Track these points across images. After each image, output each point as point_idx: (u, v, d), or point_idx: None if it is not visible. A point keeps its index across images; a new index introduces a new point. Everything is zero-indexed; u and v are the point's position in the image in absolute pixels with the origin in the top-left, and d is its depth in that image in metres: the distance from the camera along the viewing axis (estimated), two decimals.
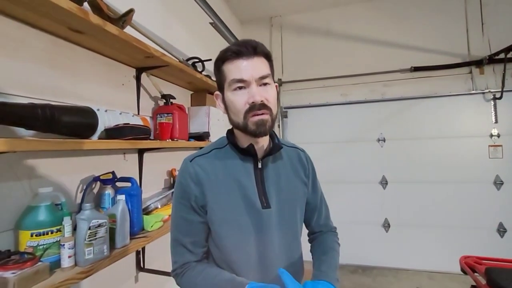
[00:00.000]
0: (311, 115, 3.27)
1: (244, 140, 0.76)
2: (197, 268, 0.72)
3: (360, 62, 3.08)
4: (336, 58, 3.16)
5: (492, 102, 2.76)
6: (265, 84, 0.70)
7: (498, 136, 2.74)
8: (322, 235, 0.90)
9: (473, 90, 2.81)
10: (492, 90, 2.74)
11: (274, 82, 0.75)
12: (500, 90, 2.66)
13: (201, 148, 0.96)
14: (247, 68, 0.67)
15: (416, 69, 2.91)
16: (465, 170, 2.82)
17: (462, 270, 1.46)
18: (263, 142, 0.77)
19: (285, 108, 3.32)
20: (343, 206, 3.13)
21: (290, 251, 0.79)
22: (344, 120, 3.15)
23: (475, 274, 1.38)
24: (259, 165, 0.76)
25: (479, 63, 2.77)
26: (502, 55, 2.60)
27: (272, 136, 0.81)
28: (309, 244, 0.92)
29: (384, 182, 3.04)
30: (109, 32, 0.99)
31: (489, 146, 2.77)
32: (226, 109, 0.74)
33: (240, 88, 0.68)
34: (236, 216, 0.72)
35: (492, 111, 2.76)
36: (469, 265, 1.43)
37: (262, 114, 0.68)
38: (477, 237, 2.75)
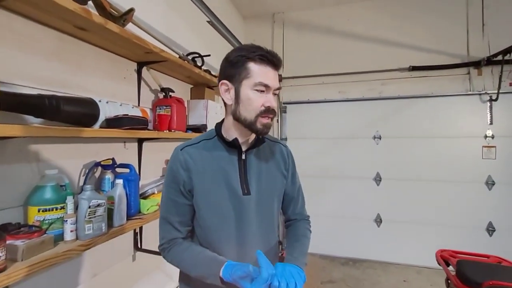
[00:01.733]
0: (309, 111, 3.33)
1: (232, 133, 0.84)
2: (183, 244, 0.81)
3: (359, 60, 3.12)
4: (335, 55, 3.20)
5: (488, 104, 2.79)
6: (276, 94, 0.81)
7: (493, 137, 2.78)
8: (296, 222, 0.99)
9: (470, 91, 2.84)
10: (488, 92, 2.77)
11: None
12: (496, 91, 2.68)
13: None
14: (273, 77, 0.78)
15: (415, 68, 2.94)
16: (458, 170, 2.87)
17: (438, 263, 1.54)
18: (249, 137, 0.85)
19: (284, 103, 3.39)
20: (338, 200, 3.22)
21: (267, 235, 0.88)
22: (341, 117, 3.22)
23: (449, 267, 1.46)
24: (243, 157, 0.85)
25: (477, 65, 2.79)
26: (500, 57, 2.61)
27: None
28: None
29: (378, 179, 3.11)
30: (110, 30, 1.08)
31: (483, 146, 2.81)
32: (237, 101, 0.78)
33: (261, 91, 0.77)
34: (219, 201, 0.81)
35: (488, 112, 2.79)
36: (444, 258, 1.52)
37: (270, 118, 0.79)
38: (466, 235, 2.82)
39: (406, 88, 3.00)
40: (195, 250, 0.80)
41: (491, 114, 2.79)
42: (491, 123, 2.79)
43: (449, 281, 1.43)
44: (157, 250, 1.52)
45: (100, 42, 1.24)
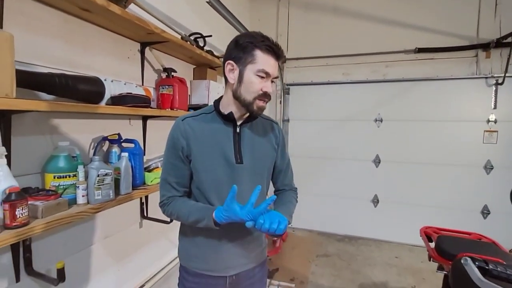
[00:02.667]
0: (312, 92, 3.35)
1: (228, 108, 0.93)
2: (180, 199, 0.94)
3: (365, 41, 3.08)
4: (340, 36, 3.16)
5: (494, 88, 2.75)
6: (273, 81, 0.91)
7: (495, 122, 2.77)
8: (284, 192, 1.10)
9: (476, 74, 2.80)
10: (495, 75, 2.72)
11: None
12: (503, 75, 2.63)
13: None
14: (274, 67, 0.88)
15: (421, 50, 2.89)
16: (457, 154, 2.90)
17: (422, 238, 1.64)
18: (244, 112, 0.94)
19: (287, 85, 3.41)
20: (337, 181, 3.32)
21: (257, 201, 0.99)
22: (344, 99, 3.23)
23: (432, 243, 1.56)
24: (238, 130, 0.95)
25: (486, 47, 2.73)
26: (510, 39, 2.54)
27: None
28: None
29: (377, 161, 3.17)
30: (112, 12, 1.14)
31: (484, 131, 2.81)
32: (240, 81, 0.88)
33: (262, 77, 0.86)
34: (215, 167, 0.91)
35: (493, 96, 2.76)
36: (427, 234, 1.61)
37: (265, 102, 0.89)
38: (461, 217, 2.90)
39: (411, 71, 2.97)
40: (190, 202, 0.93)
41: (495, 98, 2.76)
42: (494, 108, 2.76)
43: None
44: (162, 219, 1.68)
45: (103, 23, 1.31)
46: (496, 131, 2.77)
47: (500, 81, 2.68)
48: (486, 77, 2.76)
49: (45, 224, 0.94)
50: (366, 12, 3.07)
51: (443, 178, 2.96)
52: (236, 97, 0.89)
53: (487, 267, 0.61)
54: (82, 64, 1.26)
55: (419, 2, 2.90)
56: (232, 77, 0.89)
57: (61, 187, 1.09)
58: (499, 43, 2.64)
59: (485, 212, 2.85)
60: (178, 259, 2.12)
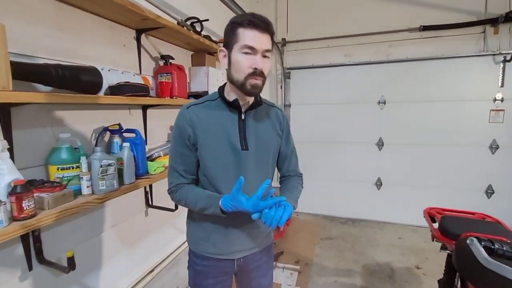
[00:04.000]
0: (314, 76, 3.29)
1: (232, 95, 0.92)
2: (187, 186, 0.95)
3: (367, 20, 2.97)
4: (342, 16, 3.06)
5: (501, 65, 2.67)
6: (266, 56, 0.85)
7: (502, 100, 2.71)
8: (290, 178, 1.10)
9: (483, 51, 2.71)
10: (503, 52, 2.63)
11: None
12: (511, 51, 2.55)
13: None
14: (259, 39, 0.82)
15: (426, 28, 2.80)
16: (463, 134, 2.86)
17: (425, 219, 1.65)
18: (249, 99, 0.93)
19: (288, 69, 3.34)
20: (340, 164, 3.32)
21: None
22: (346, 81, 3.17)
23: (435, 223, 1.56)
24: (243, 117, 0.94)
25: (494, 22, 2.62)
26: None
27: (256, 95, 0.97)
28: None
29: (380, 144, 3.15)
30: None
31: (490, 110, 2.75)
32: (229, 65, 0.87)
33: (248, 53, 0.82)
34: (221, 154, 0.92)
35: (500, 74, 2.69)
36: (431, 215, 1.62)
37: (259, 80, 0.84)
38: (465, 197, 2.91)
39: (415, 50, 2.89)
40: (198, 189, 0.94)
41: (503, 76, 2.68)
42: (502, 86, 2.70)
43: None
44: (167, 207, 1.70)
45: (97, 9, 1.27)
46: (503, 110, 2.71)
47: (508, 58, 2.60)
48: (494, 54, 2.68)
49: (53, 215, 0.96)
50: None
51: (447, 159, 2.94)
52: (231, 81, 0.88)
53: (492, 247, 0.61)
54: (77, 53, 1.24)
55: None
56: (225, 62, 0.89)
57: (65, 178, 1.10)
58: (509, 18, 2.54)
59: (489, 192, 2.85)
60: (184, 245, 2.17)
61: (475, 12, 2.69)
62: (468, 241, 0.66)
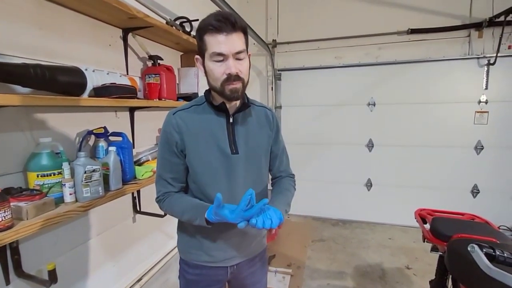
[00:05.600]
0: (304, 77, 3.29)
1: (218, 99, 0.89)
2: (176, 195, 0.91)
3: (357, 23, 3.00)
4: (332, 18, 3.07)
5: (486, 68, 2.75)
6: (240, 58, 0.80)
7: (486, 102, 2.79)
8: (281, 179, 1.07)
9: (468, 55, 2.78)
10: (487, 55, 2.71)
11: (247, 53, 0.85)
12: (495, 55, 2.63)
13: None
14: (226, 43, 0.77)
15: (413, 31, 2.84)
16: (449, 135, 2.92)
17: (416, 220, 1.66)
18: (235, 102, 0.90)
19: (279, 70, 3.33)
20: (331, 166, 3.33)
21: (254, 188, 0.95)
22: (337, 83, 3.19)
23: (426, 224, 1.58)
24: (231, 120, 0.90)
25: (479, 26, 2.70)
26: (502, 18, 2.51)
27: (243, 97, 0.94)
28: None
29: (370, 145, 3.18)
30: None
31: (475, 112, 2.83)
32: (206, 73, 0.85)
33: (219, 60, 0.78)
34: (210, 160, 0.88)
35: (484, 77, 2.76)
36: (422, 216, 1.63)
37: (236, 84, 0.80)
38: (451, 197, 2.97)
39: (404, 53, 2.93)
40: (185, 199, 0.90)
41: (487, 78, 2.76)
42: (486, 88, 2.77)
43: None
44: (156, 213, 1.64)
45: (80, 7, 1.21)
46: (487, 112, 2.79)
47: (492, 61, 2.68)
48: (478, 57, 2.75)
49: (32, 226, 0.90)
50: None
51: (435, 159, 2.99)
52: (211, 88, 0.86)
53: (494, 254, 0.60)
54: (59, 53, 1.17)
55: None
56: (202, 70, 0.86)
57: (46, 186, 1.03)
58: (492, 22, 2.62)
59: (475, 191, 2.93)
60: (174, 251, 2.11)
61: (460, 16, 2.76)
62: (469, 248, 0.65)
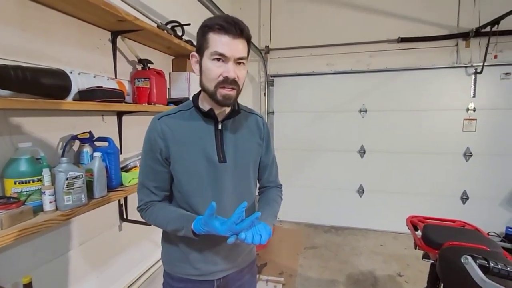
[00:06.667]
0: (297, 84, 3.30)
1: (207, 104, 0.85)
2: (159, 205, 0.87)
3: (349, 31, 3.04)
4: (324, 26, 3.11)
5: (473, 77, 2.81)
6: (240, 63, 0.78)
7: (474, 110, 2.84)
8: (269, 189, 1.04)
9: (456, 63, 2.84)
10: (474, 64, 2.77)
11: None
12: (482, 64, 2.69)
13: None
14: (230, 46, 0.75)
15: (403, 40, 2.90)
16: (439, 142, 2.96)
17: (408, 228, 1.65)
18: (225, 108, 0.86)
19: (271, 76, 3.33)
20: (323, 172, 3.32)
21: (242, 197, 0.91)
22: (329, 90, 3.21)
23: (418, 231, 1.57)
24: (219, 127, 0.87)
25: (466, 36, 2.77)
26: (488, 28, 2.59)
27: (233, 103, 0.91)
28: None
29: (362, 151, 3.20)
30: None
31: (464, 119, 2.88)
32: (200, 72, 0.80)
33: (219, 60, 0.75)
34: (197, 168, 0.84)
35: (472, 85, 2.83)
36: (413, 223, 1.63)
37: (231, 89, 0.78)
38: (442, 203, 3.00)
39: (394, 61, 2.98)
40: (170, 208, 0.86)
41: (474, 87, 2.82)
42: (474, 96, 2.83)
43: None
44: (143, 221, 1.58)
45: (67, 8, 1.17)
46: (475, 119, 2.85)
47: (479, 70, 2.74)
48: (466, 66, 2.81)
49: (7, 236, 0.84)
50: (349, 1, 3.02)
51: (425, 166, 3.02)
52: (203, 89, 0.82)
53: (488, 265, 0.59)
54: (43, 55, 1.13)
55: None
56: (197, 69, 0.82)
57: (24, 193, 0.98)
58: (478, 32, 2.69)
59: (464, 198, 2.96)
60: (161, 261, 2.04)
61: (448, 26, 2.83)
62: (463, 260, 0.64)
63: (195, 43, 2.13)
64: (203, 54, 0.78)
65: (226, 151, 0.86)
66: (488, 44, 2.62)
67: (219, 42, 0.75)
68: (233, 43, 0.75)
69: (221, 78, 0.76)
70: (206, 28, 0.76)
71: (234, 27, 0.74)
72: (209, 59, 0.76)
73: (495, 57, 2.70)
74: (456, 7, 2.80)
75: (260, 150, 0.97)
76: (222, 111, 0.87)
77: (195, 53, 0.82)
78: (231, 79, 0.76)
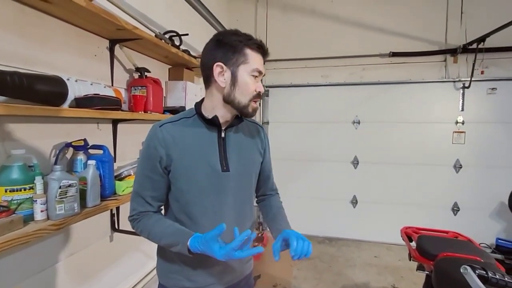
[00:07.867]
0: (291, 95, 3.35)
1: (211, 112, 0.85)
2: (153, 217, 0.84)
3: (342, 44, 3.13)
4: (319, 39, 3.19)
5: (461, 91, 2.91)
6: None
7: (463, 123, 2.93)
8: (271, 197, 1.06)
9: (445, 78, 2.94)
10: (462, 79, 2.88)
11: None
12: (469, 79, 2.80)
13: None
14: (262, 65, 0.84)
15: (395, 54, 3.00)
16: (429, 154, 3.03)
17: (402, 239, 1.66)
18: (230, 116, 0.86)
19: (267, 87, 3.38)
20: (317, 183, 3.33)
21: (243, 207, 0.92)
22: (323, 101, 3.26)
23: (412, 242, 1.58)
24: (223, 135, 0.87)
25: (453, 52, 2.88)
26: (475, 45, 2.70)
27: None
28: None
29: (355, 162, 3.23)
30: (76, 3, 1.02)
31: (453, 132, 2.96)
32: (233, 84, 0.80)
33: (256, 76, 0.82)
34: (199, 177, 0.83)
35: (460, 99, 2.92)
36: (408, 234, 1.64)
37: (257, 104, 0.86)
38: (433, 214, 3.03)
39: (386, 74, 3.07)
40: (166, 222, 0.84)
41: (463, 101, 2.92)
42: (462, 110, 2.93)
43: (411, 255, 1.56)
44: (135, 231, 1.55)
45: (66, 16, 1.18)
46: (464, 132, 2.93)
47: (466, 85, 2.84)
48: (454, 81, 2.92)
49: None
50: (343, 16, 3.12)
51: (417, 177, 3.07)
52: (229, 101, 0.81)
53: (486, 276, 0.60)
54: (40, 61, 1.12)
55: (393, 8, 3.01)
56: (223, 80, 0.80)
57: (15, 201, 0.94)
58: (465, 49, 2.81)
59: (455, 209, 3.01)
60: (153, 273, 1.98)
61: (437, 42, 2.95)
62: (462, 270, 0.64)
63: (192, 53, 2.15)
64: (238, 67, 0.80)
65: (229, 160, 0.86)
66: (475, 60, 2.73)
67: (259, 60, 0.82)
68: (263, 62, 0.84)
69: (255, 92, 0.82)
70: (241, 43, 0.80)
71: (264, 50, 0.84)
72: (248, 75, 0.81)
73: (482, 72, 2.81)
74: (444, 25, 2.92)
75: (261, 159, 0.98)
76: (227, 120, 0.86)
77: (221, 64, 0.80)
78: (261, 94, 0.85)
